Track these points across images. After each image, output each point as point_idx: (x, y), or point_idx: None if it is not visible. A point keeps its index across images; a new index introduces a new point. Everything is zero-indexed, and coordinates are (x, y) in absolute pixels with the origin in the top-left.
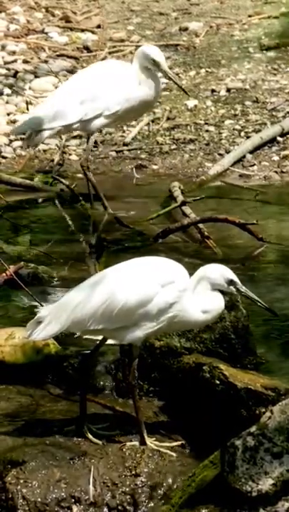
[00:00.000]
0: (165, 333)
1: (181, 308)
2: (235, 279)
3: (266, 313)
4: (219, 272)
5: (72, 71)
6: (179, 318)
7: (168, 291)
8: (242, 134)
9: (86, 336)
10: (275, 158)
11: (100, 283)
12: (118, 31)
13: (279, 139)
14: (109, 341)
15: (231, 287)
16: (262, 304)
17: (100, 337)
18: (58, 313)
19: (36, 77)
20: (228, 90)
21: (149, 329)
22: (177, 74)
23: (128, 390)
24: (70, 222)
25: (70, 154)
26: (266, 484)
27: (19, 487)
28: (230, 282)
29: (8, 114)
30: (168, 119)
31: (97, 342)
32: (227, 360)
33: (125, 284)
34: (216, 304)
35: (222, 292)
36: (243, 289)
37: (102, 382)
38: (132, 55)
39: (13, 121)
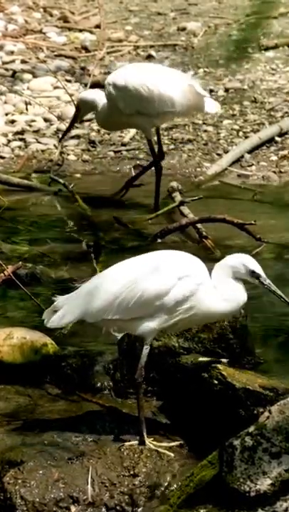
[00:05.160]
0: (185, 329)
1: (197, 301)
2: (258, 270)
3: (265, 313)
4: (240, 261)
5: (70, 71)
6: (197, 311)
7: (185, 283)
8: (240, 134)
9: (105, 329)
10: (274, 158)
11: (117, 274)
12: (116, 31)
13: (277, 139)
14: (108, 341)
15: (254, 278)
16: (284, 300)
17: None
18: (74, 302)
19: (34, 77)
20: (227, 90)
21: (164, 322)
22: None
23: (133, 388)
24: (68, 222)
25: (68, 154)
26: (264, 484)
27: (17, 487)
28: (252, 273)
29: (7, 114)
30: None
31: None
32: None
33: (143, 275)
34: (237, 293)
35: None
36: (267, 281)
37: (100, 382)
38: (130, 54)
39: (12, 121)
